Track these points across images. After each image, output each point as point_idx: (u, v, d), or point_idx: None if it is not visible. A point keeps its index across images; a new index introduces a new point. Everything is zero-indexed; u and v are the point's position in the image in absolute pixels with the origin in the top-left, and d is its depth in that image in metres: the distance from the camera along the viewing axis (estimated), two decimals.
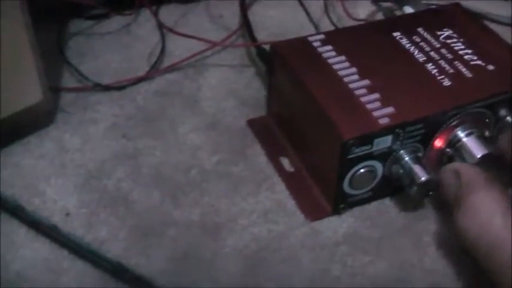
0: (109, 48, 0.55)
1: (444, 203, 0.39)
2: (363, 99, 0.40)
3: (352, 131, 0.37)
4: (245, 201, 0.43)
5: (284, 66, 0.43)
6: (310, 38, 0.45)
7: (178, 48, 0.55)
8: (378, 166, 0.40)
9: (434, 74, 0.42)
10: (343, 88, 0.40)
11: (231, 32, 0.54)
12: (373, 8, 0.60)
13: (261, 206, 0.42)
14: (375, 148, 0.39)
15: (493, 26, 0.56)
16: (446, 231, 0.41)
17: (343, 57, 0.43)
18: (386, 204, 0.43)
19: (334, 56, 0.43)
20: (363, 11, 0.59)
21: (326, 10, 0.57)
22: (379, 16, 0.59)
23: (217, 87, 0.51)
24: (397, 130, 0.39)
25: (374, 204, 0.43)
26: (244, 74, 0.53)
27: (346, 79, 0.41)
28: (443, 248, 0.41)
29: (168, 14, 0.59)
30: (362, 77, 0.41)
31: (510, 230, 0.33)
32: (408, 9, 0.55)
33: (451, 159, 0.41)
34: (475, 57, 0.44)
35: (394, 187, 0.41)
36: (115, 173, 0.44)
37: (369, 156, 0.39)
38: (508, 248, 0.33)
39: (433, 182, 0.40)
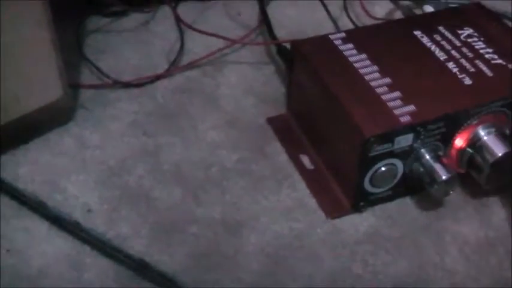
0: (127, 45, 0.55)
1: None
2: (384, 97, 0.40)
3: (373, 129, 0.37)
4: (266, 199, 0.43)
5: (305, 64, 0.43)
6: (331, 36, 0.45)
7: (197, 46, 0.55)
8: (399, 164, 0.40)
9: (455, 72, 0.42)
10: (365, 86, 0.41)
11: (250, 29, 0.54)
12: (391, 6, 0.60)
13: (282, 204, 0.42)
14: (396, 146, 0.39)
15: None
16: (468, 230, 0.41)
17: (364, 55, 0.43)
18: (407, 203, 0.43)
19: (356, 54, 0.43)
20: (381, 9, 0.59)
21: (345, 8, 0.57)
22: (398, 14, 0.59)
23: (236, 84, 0.51)
24: (418, 128, 0.39)
25: (395, 202, 0.43)
26: (263, 72, 0.53)
27: (367, 77, 0.41)
28: (464, 247, 0.40)
29: (186, 11, 0.59)
30: (383, 75, 0.41)
31: None
32: (428, 8, 0.55)
33: (471, 158, 0.41)
34: (496, 56, 0.44)
35: (415, 186, 0.41)
36: (136, 169, 0.44)
37: (390, 154, 0.39)
38: None
39: (454, 180, 0.40)
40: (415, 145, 0.40)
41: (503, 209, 0.43)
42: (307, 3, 0.58)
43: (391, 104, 0.39)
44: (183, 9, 0.59)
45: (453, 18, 0.48)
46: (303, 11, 0.59)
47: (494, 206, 0.43)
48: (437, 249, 0.41)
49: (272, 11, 0.58)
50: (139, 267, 0.39)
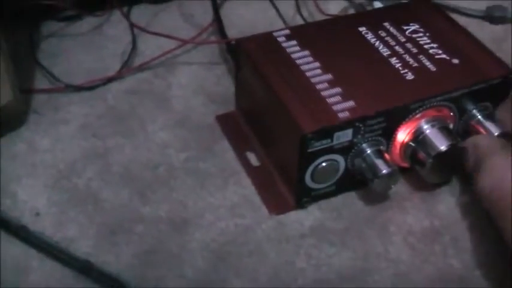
0: (81, 49, 0.56)
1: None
2: (324, 93, 0.40)
3: (311, 125, 0.38)
4: (212, 196, 0.43)
5: (249, 62, 0.44)
6: (275, 33, 0.45)
7: (150, 48, 0.55)
8: (340, 160, 0.40)
9: (397, 68, 0.43)
10: (305, 83, 0.41)
11: (201, 29, 0.54)
12: (345, 4, 0.60)
13: (228, 200, 0.43)
14: (335, 142, 0.39)
15: (464, 19, 0.58)
16: (413, 220, 0.42)
17: (306, 52, 0.44)
18: (353, 196, 0.44)
19: (298, 51, 0.44)
20: (335, 7, 0.60)
21: (297, 6, 0.58)
22: (352, 12, 0.59)
23: (187, 85, 0.52)
24: (357, 124, 0.39)
25: (340, 196, 0.43)
26: (214, 71, 0.53)
27: (308, 73, 0.42)
28: (409, 237, 0.41)
29: (140, 13, 0.59)
30: (324, 71, 0.42)
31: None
32: (378, 4, 0.55)
33: (414, 152, 0.42)
34: (440, 51, 0.45)
35: (358, 180, 0.42)
36: (85, 172, 0.45)
37: (330, 150, 0.39)
38: None
39: (395, 175, 0.40)
40: (355, 140, 0.40)
41: (451, 197, 0.43)
42: (260, 3, 0.58)
43: (330, 100, 0.40)
44: (137, 12, 0.59)
45: (400, 13, 0.48)
46: (256, 11, 0.59)
47: (441, 195, 0.44)
48: (381, 240, 0.41)
49: (225, 11, 0.59)
50: (84, 268, 0.39)
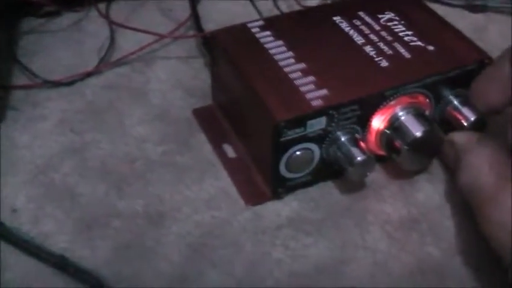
0: (60, 45, 0.56)
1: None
2: (297, 82, 0.40)
3: (283, 114, 0.38)
4: (189, 189, 0.43)
5: (223, 53, 0.44)
6: (249, 25, 0.45)
7: (129, 43, 0.55)
8: (315, 148, 0.40)
9: (372, 56, 0.43)
10: (278, 72, 0.41)
11: (179, 24, 0.54)
12: None
13: (204, 193, 0.43)
14: (309, 130, 0.39)
15: (444, 9, 0.58)
16: (391, 208, 0.42)
17: (280, 42, 0.43)
18: (331, 186, 0.43)
19: (272, 41, 0.44)
20: (314, 1, 0.60)
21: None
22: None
23: (165, 79, 0.52)
24: (330, 112, 0.39)
25: (317, 186, 0.43)
26: (192, 65, 0.53)
27: (281, 63, 0.41)
28: (386, 226, 0.41)
29: (119, 9, 0.59)
30: (298, 60, 0.42)
31: (496, 180, 0.35)
32: None
33: (390, 139, 0.42)
34: (415, 39, 0.44)
35: (335, 170, 0.41)
36: (62, 167, 0.45)
37: (304, 139, 0.39)
38: (495, 199, 0.35)
39: (371, 161, 0.40)
40: (329, 129, 0.40)
41: (429, 185, 0.43)
42: None
43: (303, 88, 0.40)
44: (116, 7, 0.59)
45: (375, 3, 0.48)
46: (234, 5, 0.59)
47: (419, 183, 0.44)
48: (359, 229, 0.41)
49: (204, 5, 0.59)
50: (60, 263, 0.39)
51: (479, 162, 0.37)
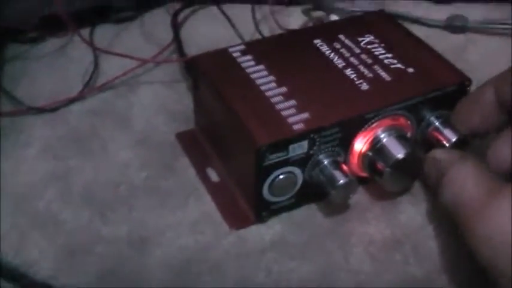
0: (44, 71, 0.56)
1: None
2: (279, 106, 0.40)
3: (265, 138, 0.38)
4: (173, 214, 0.43)
5: (204, 78, 0.44)
6: (230, 49, 0.45)
7: (113, 68, 0.55)
8: (298, 172, 0.40)
9: (352, 78, 0.43)
10: (260, 96, 0.41)
11: (162, 48, 0.54)
12: (305, 18, 0.61)
13: (188, 217, 0.43)
14: (291, 154, 0.39)
15: (425, 30, 0.58)
16: (374, 230, 0.42)
17: (261, 66, 0.44)
18: (314, 209, 0.44)
19: (253, 66, 0.44)
20: (295, 21, 0.60)
21: (255, 20, 0.58)
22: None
23: (148, 104, 0.52)
24: (312, 135, 0.39)
25: (301, 209, 0.43)
26: (175, 90, 0.53)
27: (263, 87, 0.42)
28: (369, 247, 0.41)
29: (103, 33, 0.59)
30: (279, 84, 0.42)
31: (480, 194, 0.35)
32: (334, 17, 0.56)
33: (372, 161, 0.42)
34: (395, 61, 0.45)
35: (318, 193, 0.42)
36: (45, 194, 0.45)
37: (286, 163, 0.39)
38: (481, 213, 0.34)
39: (353, 184, 0.41)
40: (311, 152, 0.40)
41: (411, 206, 0.44)
42: (222, 21, 0.58)
43: (285, 112, 0.40)
44: (99, 32, 0.60)
45: (355, 26, 0.49)
46: (218, 29, 0.59)
47: (402, 205, 0.44)
48: (342, 251, 0.41)
49: (187, 30, 0.59)
50: None
51: (463, 177, 0.37)
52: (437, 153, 0.41)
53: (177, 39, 0.54)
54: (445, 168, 0.39)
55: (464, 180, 0.37)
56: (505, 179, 0.37)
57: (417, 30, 0.50)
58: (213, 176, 0.45)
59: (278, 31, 0.57)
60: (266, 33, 0.58)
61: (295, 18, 0.61)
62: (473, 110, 0.43)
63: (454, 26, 0.60)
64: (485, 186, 0.36)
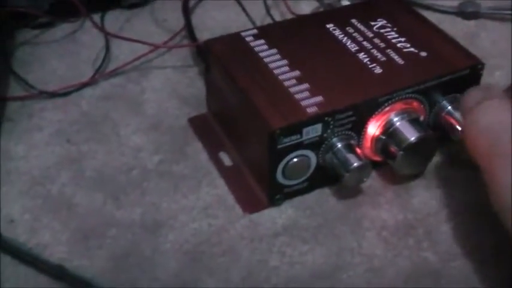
0: (55, 56, 0.56)
1: None
2: (292, 89, 0.40)
3: (279, 121, 0.38)
4: (186, 198, 0.43)
5: (217, 62, 0.44)
6: (242, 33, 0.45)
7: (124, 53, 0.55)
8: (311, 155, 0.40)
9: (365, 62, 0.43)
10: (273, 80, 0.41)
11: (173, 33, 0.54)
12: (316, 4, 0.60)
13: (201, 201, 0.43)
14: (305, 137, 0.39)
15: (437, 16, 0.58)
16: (387, 214, 0.42)
17: (274, 50, 0.44)
18: (326, 193, 0.43)
19: (266, 50, 0.44)
20: (307, 7, 0.60)
21: (266, 7, 0.58)
22: None
23: (160, 88, 0.52)
24: (326, 118, 0.39)
25: (313, 193, 0.43)
26: (187, 75, 0.53)
27: (276, 71, 0.42)
28: (382, 232, 0.41)
29: (114, 19, 0.59)
30: (292, 68, 0.42)
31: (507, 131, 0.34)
32: (345, 2, 0.55)
33: (385, 145, 0.42)
34: (408, 45, 0.45)
35: (331, 176, 0.41)
36: (59, 178, 0.45)
37: (300, 146, 0.39)
38: (505, 150, 0.33)
39: (367, 167, 0.41)
40: (325, 135, 0.40)
41: (424, 190, 0.44)
42: (233, 5, 0.58)
43: (299, 96, 0.40)
44: (110, 18, 0.59)
45: (367, 10, 0.49)
46: (229, 14, 0.59)
47: (415, 189, 0.44)
48: (355, 236, 0.41)
49: (198, 14, 0.59)
50: (58, 273, 0.39)
51: (503, 107, 0.36)
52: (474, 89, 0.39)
53: (188, 25, 0.53)
54: (483, 97, 0.37)
55: (505, 111, 0.35)
56: None
57: (429, 16, 0.49)
58: (226, 160, 0.45)
59: (289, 16, 0.57)
60: (277, 18, 0.58)
61: (306, 4, 0.60)
62: None
63: (466, 12, 0.60)
64: None
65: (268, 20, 0.58)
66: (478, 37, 0.58)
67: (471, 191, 0.43)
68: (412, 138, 0.41)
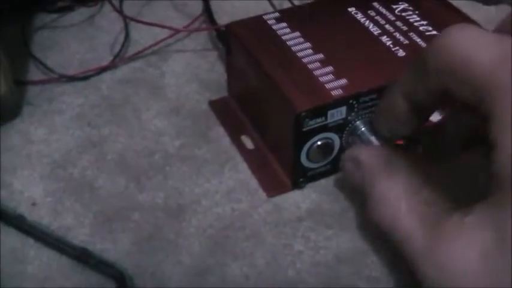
0: (74, 40, 0.56)
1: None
2: (316, 72, 0.40)
3: (305, 104, 0.38)
4: (208, 182, 0.43)
5: (239, 45, 0.44)
6: (265, 17, 0.45)
7: (143, 37, 0.55)
8: (335, 138, 0.40)
9: (388, 45, 0.43)
10: (297, 63, 0.41)
11: (193, 18, 0.54)
12: None
13: (224, 186, 0.43)
14: (329, 120, 0.39)
15: (456, 1, 0.57)
16: None
17: (297, 33, 0.43)
18: None
19: (289, 33, 0.43)
20: None
21: None
22: None
23: (180, 72, 0.52)
24: (350, 101, 0.39)
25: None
26: (207, 59, 0.53)
27: (299, 54, 0.41)
28: None
29: (133, 3, 0.59)
30: (316, 51, 0.42)
31: (420, 223, 0.29)
32: None
33: None
34: (430, 28, 0.44)
35: None
36: (80, 161, 0.45)
37: (325, 129, 0.39)
38: (416, 237, 0.29)
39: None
40: (349, 118, 0.40)
41: None
42: None
43: (323, 78, 0.40)
44: (128, 2, 0.59)
45: None
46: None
47: None
48: None
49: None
50: (81, 255, 0.39)
51: (394, 197, 0.31)
52: (361, 154, 0.35)
53: (207, 8, 0.53)
54: (372, 177, 0.33)
55: (396, 201, 0.31)
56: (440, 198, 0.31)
57: (450, 1, 0.49)
58: (248, 143, 0.45)
59: (308, 1, 0.56)
60: (296, 3, 0.57)
61: None
62: (390, 121, 0.35)
63: None
64: (420, 213, 0.30)
65: (287, 5, 0.57)
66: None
67: None
68: (434, 121, 0.41)
